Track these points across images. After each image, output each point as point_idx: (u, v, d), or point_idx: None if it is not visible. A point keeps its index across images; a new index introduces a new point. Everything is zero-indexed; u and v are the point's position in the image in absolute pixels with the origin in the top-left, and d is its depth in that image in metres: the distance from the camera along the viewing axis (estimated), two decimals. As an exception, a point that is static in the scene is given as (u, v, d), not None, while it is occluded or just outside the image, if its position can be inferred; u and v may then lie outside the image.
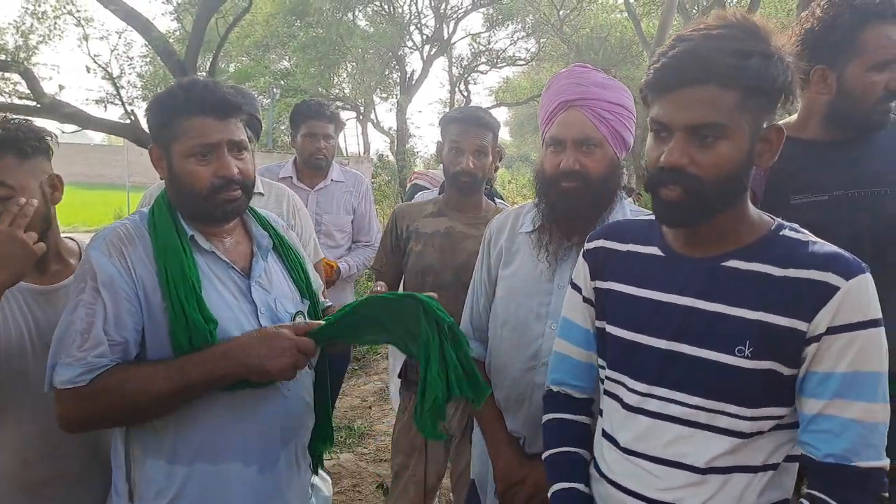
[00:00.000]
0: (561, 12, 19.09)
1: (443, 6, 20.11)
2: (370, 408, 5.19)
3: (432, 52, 20.61)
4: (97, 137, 38.94)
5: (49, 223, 1.65)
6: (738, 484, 1.20)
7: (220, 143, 1.48)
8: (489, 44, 23.01)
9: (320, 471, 1.86)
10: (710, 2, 13.91)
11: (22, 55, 9.19)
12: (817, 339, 1.12)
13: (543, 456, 1.51)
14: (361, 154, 23.92)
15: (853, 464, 1.10)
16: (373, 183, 15.71)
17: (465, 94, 23.77)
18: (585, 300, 1.47)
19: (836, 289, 1.11)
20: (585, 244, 1.50)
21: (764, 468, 1.20)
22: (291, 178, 3.38)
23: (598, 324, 1.43)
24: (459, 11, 20.73)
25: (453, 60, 23.93)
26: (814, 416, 1.14)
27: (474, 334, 1.98)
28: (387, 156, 19.89)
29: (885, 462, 1.11)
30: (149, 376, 1.38)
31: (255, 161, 2.47)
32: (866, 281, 1.12)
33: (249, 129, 2.39)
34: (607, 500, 1.34)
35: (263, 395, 1.51)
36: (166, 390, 1.37)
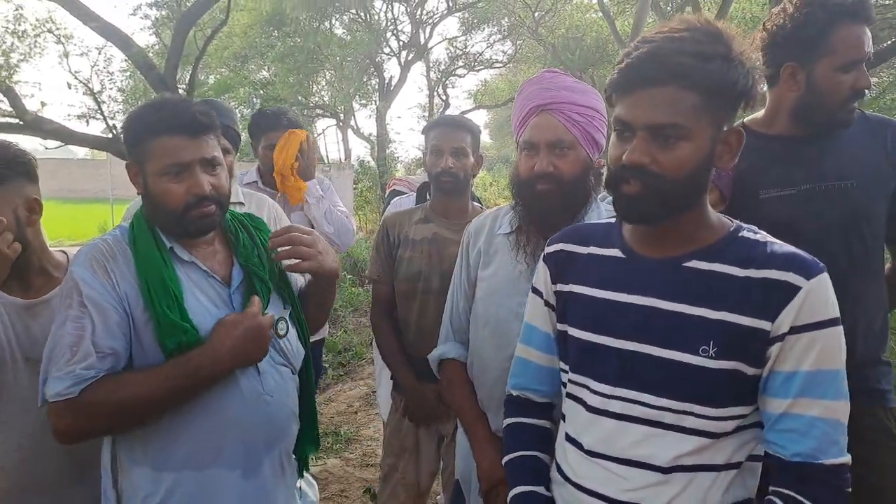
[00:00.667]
0: (536, 14, 19.13)
1: (419, 12, 20.11)
2: (356, 413, 5.19)
3: (410, 58, 20.56)
4: (80, 152, 38.76)
5: (25, 245, 1.65)
6: (702, 483, 1.20)
7: (192, 161, 1.51)
8: (466, 47, 22.97)
9: (306, 475, 1.88)
10: None
11: (3, 73, 9.12)
12: (781, 338, 1.13)
13: (504, 461, 1.51)
14: (342, 161, 23.83)
15: (821, 461, 1.12)
16: (354, 189, 15.70)
17: (444, 97, 23.67)
18: (546, 304, 1.47)
19: (798, 288, 1.12)
20: (545, 248, 1.50)
21: (727, 467, 1.21)
22: (256, 182, 3.36)
23: (560, 327, 1.42)
24: (435, 17, 20.72)
25: (431, 65, 23.88)
26: (779, 415, 1.15)
27: (455, 336, 2.00)
28: (368, 162, 19.88)
29: (848, 458, 1.13)
30: (140, 383, 1.42)
31: (234, 171, 2.51)
32: (826, 280, 1.14)
33: (228, 140, 2.41)
34: (571, 503, 1.34)
35: (246, 402, 1.55)
36: (158, 396, 1.42)
